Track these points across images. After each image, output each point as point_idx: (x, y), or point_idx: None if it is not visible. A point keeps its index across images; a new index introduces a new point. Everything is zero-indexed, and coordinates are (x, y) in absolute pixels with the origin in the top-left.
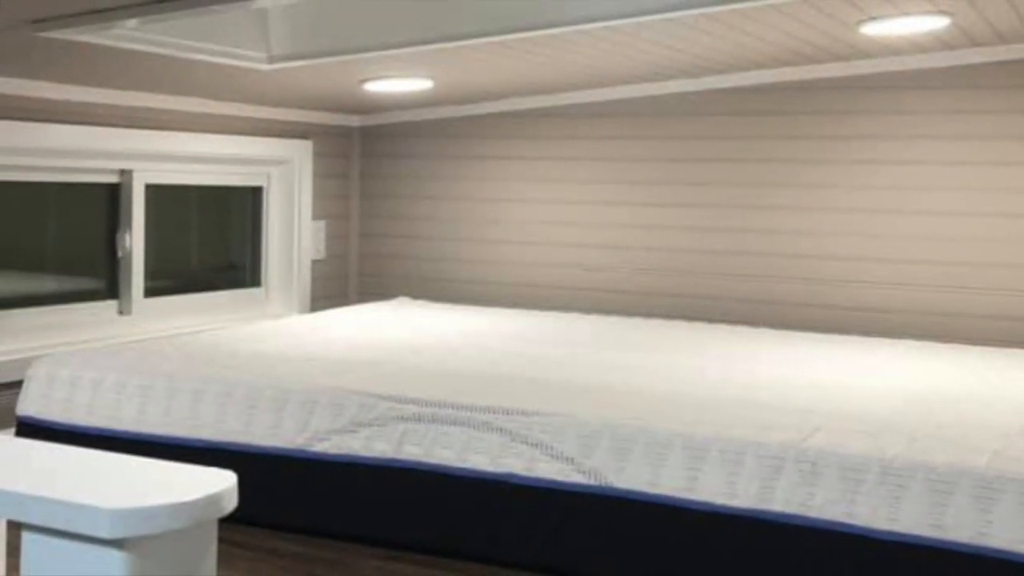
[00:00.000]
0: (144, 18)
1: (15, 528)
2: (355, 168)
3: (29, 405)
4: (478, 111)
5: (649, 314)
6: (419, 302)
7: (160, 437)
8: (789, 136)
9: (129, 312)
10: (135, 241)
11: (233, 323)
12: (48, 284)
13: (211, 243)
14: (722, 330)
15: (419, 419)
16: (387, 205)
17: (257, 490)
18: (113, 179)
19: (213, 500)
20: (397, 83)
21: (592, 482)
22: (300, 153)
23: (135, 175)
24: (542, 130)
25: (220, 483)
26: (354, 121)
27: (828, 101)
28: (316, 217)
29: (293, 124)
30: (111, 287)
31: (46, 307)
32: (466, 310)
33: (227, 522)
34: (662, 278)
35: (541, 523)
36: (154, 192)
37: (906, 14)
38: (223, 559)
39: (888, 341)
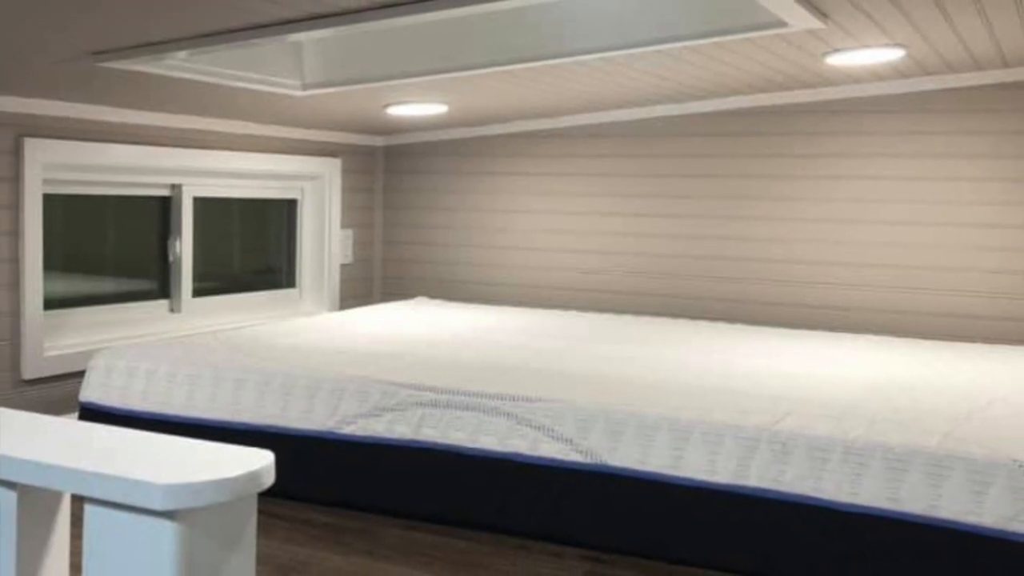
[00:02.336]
0: (193, 50)
1: (78, 501)
2: (379, 183)
3: (90, 392)
4: (488, 132)
5: (639, 312)
6: (436, 301)
7: (206, 420)
8: (763, 154)
9: (179, 310)
10: (184, 247)
11: (271, 320)
12: (107, 285)
13: (251, 249)
14: (703, 326)
15: (435, 405)
16: (407, 215)
17: (292, 468)
18: (165, 192)
19: (253, 476)
20: (416, 107)
21: (588, 460)
22: (330, 169)
23: (184, 189)
24: (544, 149)
25: (259, 461)
26: (378, 141)
27: (797, 123)
28: (344, 226)
29: (324, 144)
30: (163, 288)
31: (105, 306)
32: (477, 308)
33: (266, 496)
34: (650, 280)
35: (543, 497)
36: (201, 204)
37: (866, 46)
38: (262, 528)
39: (850, 336)
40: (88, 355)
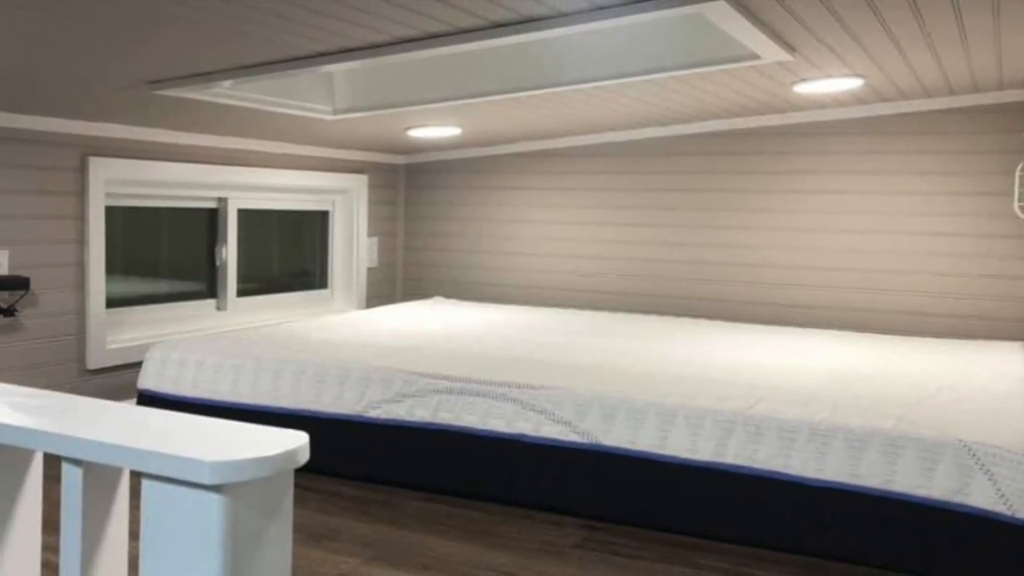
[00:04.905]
0: (237, 80)
1: (136, 476)
2: (401, 196)
3: (147, 380)
4: (496, 152)
5: (630, 310)
6: (451, 300)
7: (249, 405)
8: (738, 171)
9: (225, 308)
10: (229, 253)
11: (306, 317)
12: (162, 287)
13: (288, 255)
14: (686, 323)
15: (450, 391)
16: (426, 225)
17: (324, 447)
18: (212, 205)
19: (290, 455)
20: (433, 130)
21: (585, 441)
22: (358, 185)
23: (229, 201)
24: (546, 167)
25: (296, 441)
26: (400, 160)
27: (769, 144)
28: (370, 234)
29: (352, 162)
30: (211, 289)
31: (160, 304)
32: (487, 307)
33: (301, 472)
34: (640, 282)
35: (546, 473)
36: (244, 215)
37: (829, 76)
38: (298, 500)
39: (816, 331)
40: (145, 348)
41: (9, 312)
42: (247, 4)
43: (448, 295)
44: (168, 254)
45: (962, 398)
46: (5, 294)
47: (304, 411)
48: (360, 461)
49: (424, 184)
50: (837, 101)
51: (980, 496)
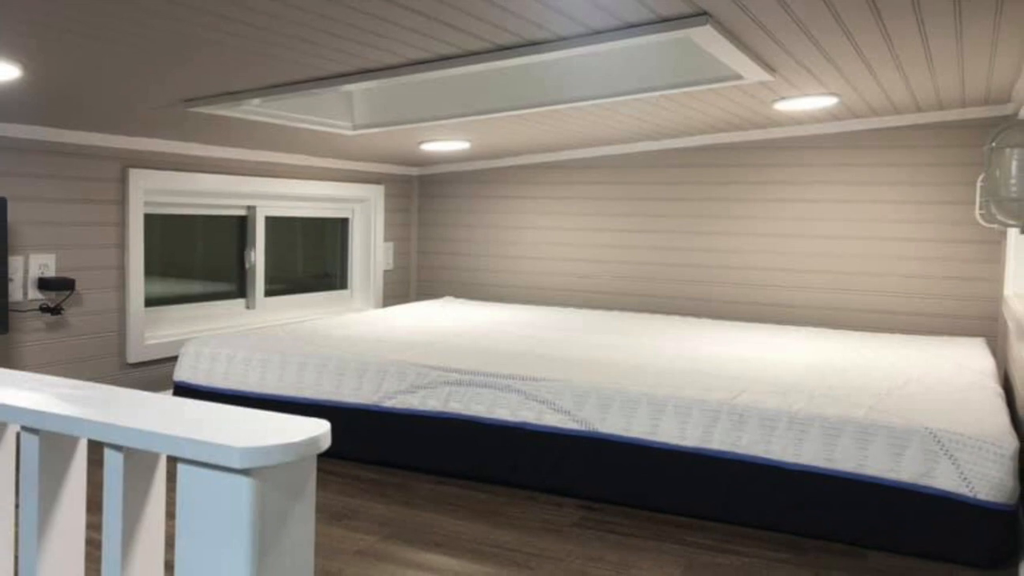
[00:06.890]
0: (265, 98)
1: (172, 461)
2: (414, 205)
3: (182, 373)
4: (502, 164)
5: (624, 309)
6: (460, 300)
7: (275, 396)
8: (723, 182)
9: (253, 307)
10: (258, 256)
11: (327, 315)
12: (196, 287)
13: (312, 258)
14: (675, 320)
15: (460, 383)
16: (437, 231)
17: (344, 434)
18: (242, 212)
19: (313, 441)
20: (444, 144)
21: (583, 428)
22: (375, 194)
23: (258, 209)
24: (547, 177)
25: (318, 429)
26: (414, 171)
27: (750, 157)
28: (387, 239)
29: (370, 173)
30: (240, 289)
31: (194, 303)
32: (493, 306)
33: (323, 457)
34: (633, 283)
35: (547, 457)
36: (271, 222)
37: (806, 95)
38: (320, 483)
39: (794, 328)
40: (180, 344)
41: (56, 311)
42: (275, 29)
43: (458, 295)
44: (201, 257)
45: (928, 389)
46: (53, 294)
47: (326, 401)
48: (377, 447)
49: (436, 193)
50: (813, 118)
51: (944, 479)
